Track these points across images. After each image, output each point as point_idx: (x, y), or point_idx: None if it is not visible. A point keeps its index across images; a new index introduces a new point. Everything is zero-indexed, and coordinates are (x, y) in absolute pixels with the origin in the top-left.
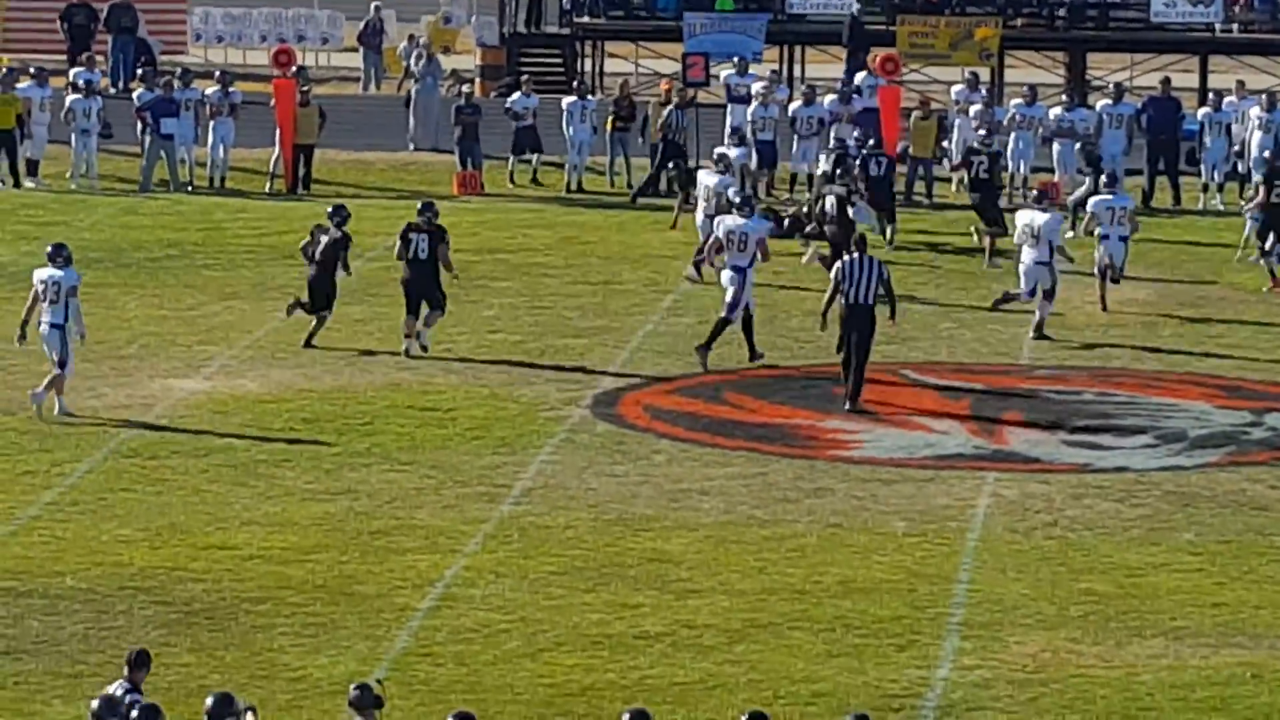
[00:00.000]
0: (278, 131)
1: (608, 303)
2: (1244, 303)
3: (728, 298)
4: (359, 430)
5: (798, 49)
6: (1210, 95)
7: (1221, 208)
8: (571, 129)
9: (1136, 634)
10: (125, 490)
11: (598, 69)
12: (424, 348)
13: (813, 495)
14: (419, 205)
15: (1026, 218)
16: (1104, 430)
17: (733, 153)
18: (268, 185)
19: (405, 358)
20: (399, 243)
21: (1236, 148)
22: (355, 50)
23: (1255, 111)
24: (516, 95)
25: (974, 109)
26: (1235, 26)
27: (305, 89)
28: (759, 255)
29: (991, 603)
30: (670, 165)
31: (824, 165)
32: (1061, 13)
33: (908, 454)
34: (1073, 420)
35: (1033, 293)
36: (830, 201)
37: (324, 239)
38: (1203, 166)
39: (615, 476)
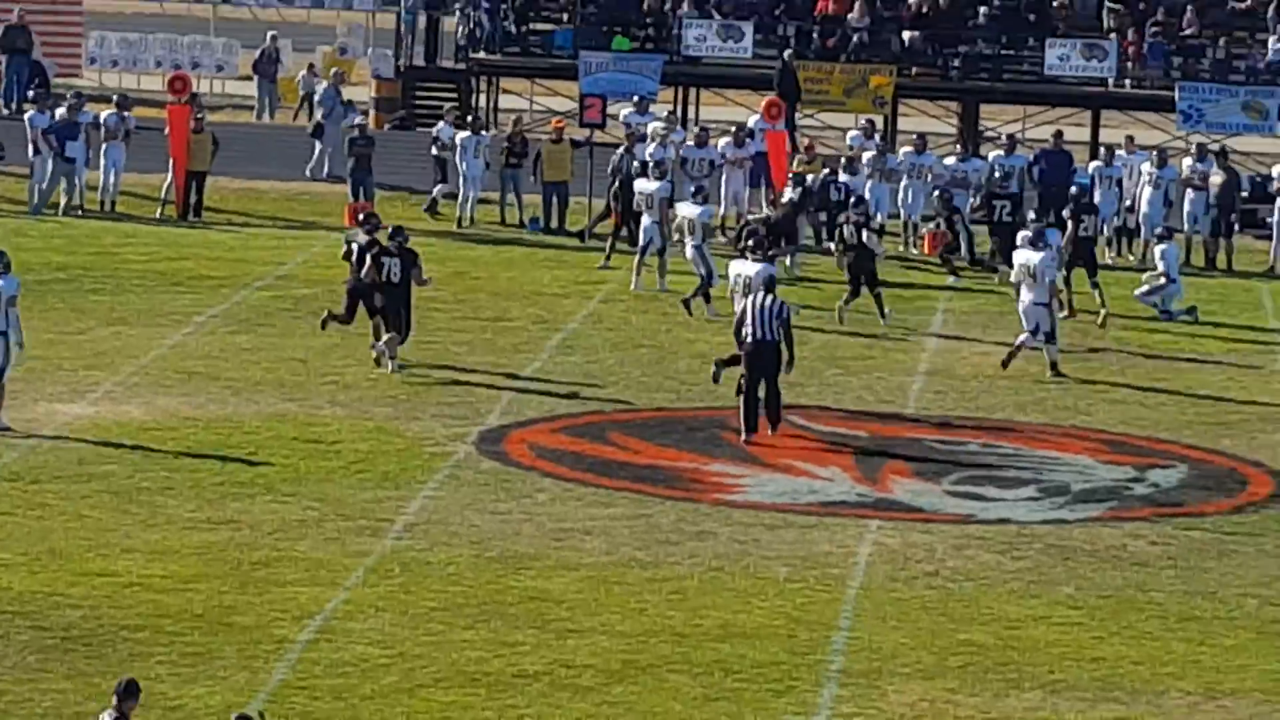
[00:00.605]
0: (171, 158)
1: (496, 339)
2: (1130, 357)
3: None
4: (243, 460)
5: (693, 91)
6: (1102, 149)
7: (1110, 261)
8: (465, 164)
9: (1014, 686)
10: (5, 514)
11: (492, 105)
12: (394, 368)
13: (695, 538)
14: (390, 230)
15: (1023, 257)
16: (988, 482)
17: (652, 186)
18: (159, 211)
19: (376, 366)
20: (370, 264)
21: (1127, 202)
22: (250, 78)
23: (1146, 167)
24: (442, 125)
25: (867, 156)
26: (1128, 81)
27: (200, 116)
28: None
29: (871, 651)
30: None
31: (790, 194)
32: (956, 63)
33: (791, 499)
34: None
35: (1035, 333)
36: (849, 230)
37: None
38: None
39: (498, 514)
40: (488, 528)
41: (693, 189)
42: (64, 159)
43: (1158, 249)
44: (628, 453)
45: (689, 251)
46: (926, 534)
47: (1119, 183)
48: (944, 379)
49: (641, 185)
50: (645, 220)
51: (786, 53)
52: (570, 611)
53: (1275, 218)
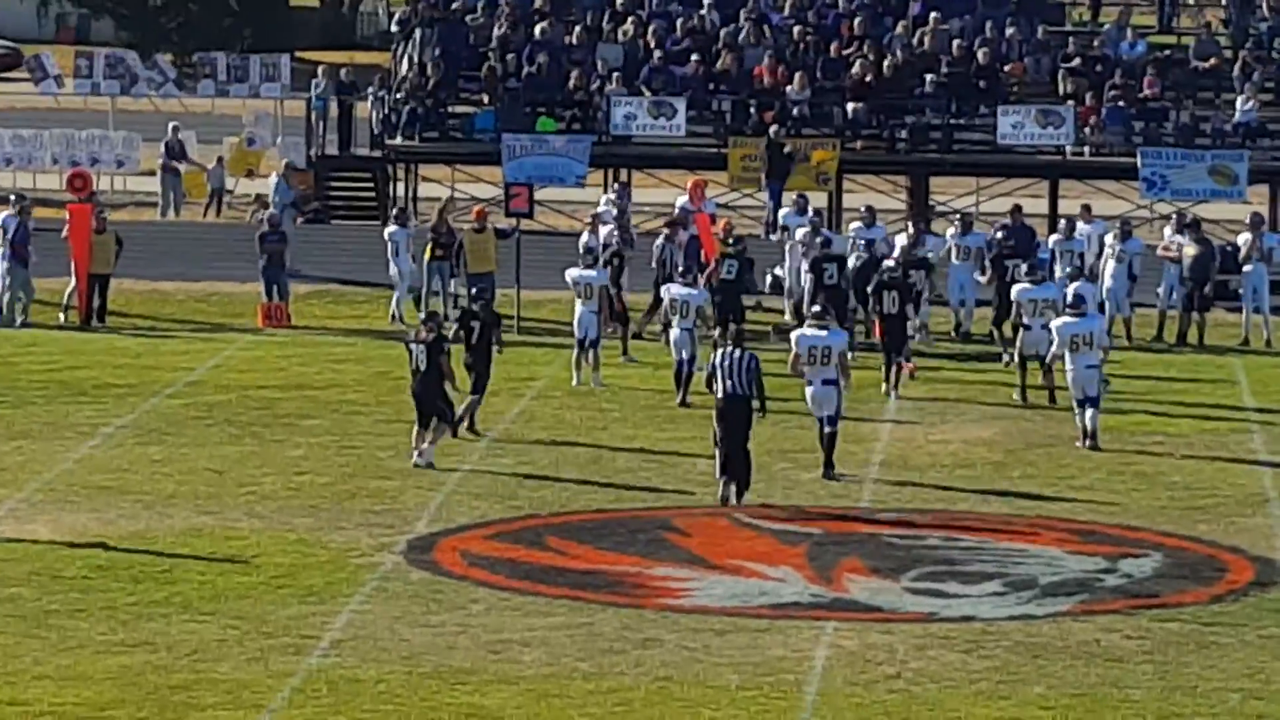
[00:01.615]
0: (72, 260)
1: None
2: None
3: (828, 410)
4: (157, 579)
5: (624, 172)
6: (1062, 222)
7: None
8: (398, 258)
9: None
10: None
11: (412, 194)
12: (429, 464)
13: (641, 646)
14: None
15: (1074, 327)
16: (950, 577)
17: (591, 274)
18: (61, 317)
19: (413, 468)
20: (405, 350)
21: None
22: (153, 174)
23: (1109, 239)
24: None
25: (800, 232)
26: (1087, 149)
27: (101, 215)
28: (841, 369)
29: None
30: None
31: (804, 274)
32: (903, 134)
33: (741, 603)
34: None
35: (1096, 402)
36: (892, 297)
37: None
38: None
39: (431, 626)
40: (420, 642)
41: (682, 269)
42: (22, 266)
43: (1071, 288)
44: (566, 558)
45: (675, 334)
46: (886, 634)
47: (1080, 256)
48: (900, 469)
49: (577, 273)
50: (580, 309)
51: (773, 129)
52: None
53: (1245, 286)
